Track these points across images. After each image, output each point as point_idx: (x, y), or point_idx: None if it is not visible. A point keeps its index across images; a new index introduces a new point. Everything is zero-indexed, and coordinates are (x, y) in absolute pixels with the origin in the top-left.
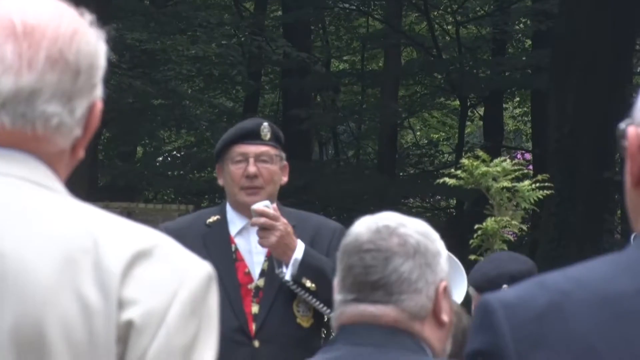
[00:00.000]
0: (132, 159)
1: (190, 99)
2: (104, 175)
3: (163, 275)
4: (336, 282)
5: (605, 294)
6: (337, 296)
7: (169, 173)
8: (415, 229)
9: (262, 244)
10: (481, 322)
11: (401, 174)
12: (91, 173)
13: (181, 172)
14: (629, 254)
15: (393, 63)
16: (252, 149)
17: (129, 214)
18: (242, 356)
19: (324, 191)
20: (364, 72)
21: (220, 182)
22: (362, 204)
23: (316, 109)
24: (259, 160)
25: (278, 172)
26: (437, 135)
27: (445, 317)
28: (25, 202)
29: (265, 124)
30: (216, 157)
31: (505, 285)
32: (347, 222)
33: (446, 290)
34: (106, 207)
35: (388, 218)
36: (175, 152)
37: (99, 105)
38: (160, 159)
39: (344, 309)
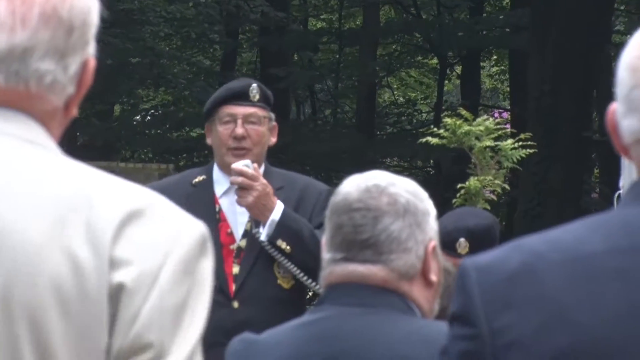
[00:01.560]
0: (109, 118)
1: (168, 57)
2: (81, 134)
3: (156, 235)
4: (324, 240)
5: (577, 254)
6: (326, 255)
7: (147, 132)
8: (405, 188)
9: (239, 203)
10: (458, 285)
11: (379, 132)
12: (69, 132)
13: (159, 130)
14: (607, 216)
15: (371, 22)
16: (241, 110)
17: (109, 173)
18: (220, 316)
19: (302, 150)
20: (341, 31)
21: (209, 141)
22: (341, 164)
23: (294, 68)
24: (247, 121)
25: (266, 133)
26: (414, 94)
27: (433, 277)
28: (18, 160)
29: (255, 84)
30: (205, 117)
31: (462, 239)
32: (326, 181)
33: (435, 250)
34: None
35: (377, 177)
36: (152, 111)
37: (92, 63)
38: (138, 117)
39: (332, 268)
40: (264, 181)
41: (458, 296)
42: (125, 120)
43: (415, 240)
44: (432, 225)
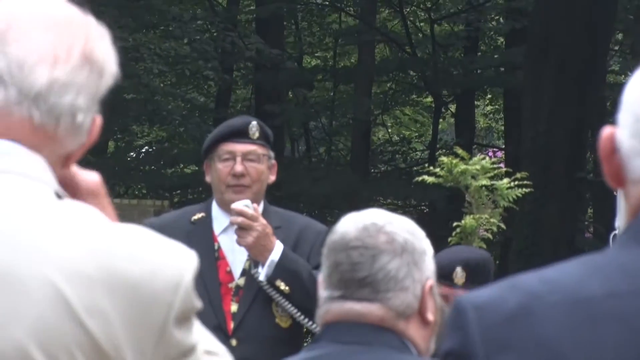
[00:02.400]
0: (103, 154)
1: (163, 94)
2: None
3: None
4: (321, 278)
5: (576, 297)
6: (323, 293)
7: (141, 168)
8: (403, 227)
9: (239, 243)
10: (453, 322)
11: (374, 170)
12: None
13: (153, 167)
14: (604, 256)
15: (366, 59)
16: (240, 147)
17: None
18: None
19: (296, 188)
20: (336, 68)
21: (208, 179)
22: (335, 202)
23: (288, 105)
24: (246, 159)
25: (265, 171)
26: (408, 133)
27: (430, 316)
28: (33, 212)
29: (254, 122)
30: (204, 154)
31: (459, 268)
32: (320, 219)
33: (432, 289)
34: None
35: (375, 215)
36: (147, 148)
37: (99, 120)
38: (133, 154)
39: (329, 306)
40: (264, 221)
41: (454, 333)
42: (120, 156)
43: (413, 279)
44: (429, 264)
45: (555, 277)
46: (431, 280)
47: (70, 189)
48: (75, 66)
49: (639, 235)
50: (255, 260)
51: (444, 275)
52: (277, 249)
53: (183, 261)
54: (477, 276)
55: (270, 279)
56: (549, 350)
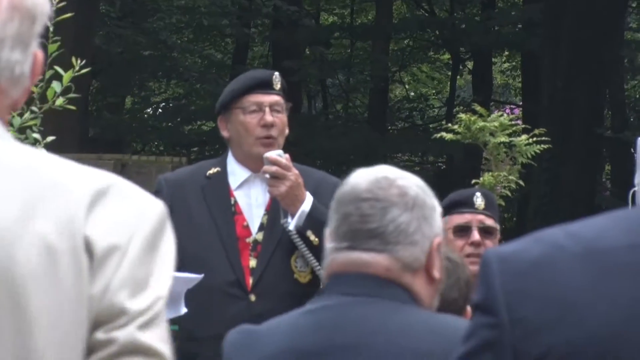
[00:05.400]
0: (120, 111)
1: (180, 50)
2: (93, 127)
3: (123, 212)
4: (328, 231)
5: (596, 247)
6: (329, 244)
7: (158, 125)
8: (414, 182)
9: (271, 193)
10: (480, 275)
11: (391, 127)
12: (81, 124)
13: (170, 124)
14: (630, 211)
15: (384, 16)
16: (267, 98)
17: (123, 166)
18: (237, 310)
19: (313, 144)
20: (353, 25)
21: (225, 134)
22: (352, 158)
23: (305, 62)
24: (273, 109)
25: (287, 122)
26: (426, 90)
27: (436, 274)
28: None
29: (276, 73)
30: (220, 109)
31: (478, 193)
32: (336, 176)
33: (440, 247)
34: (99, 159)
35: (387, 170)
36: (164, 104)
37: (40, 55)
38: (150, 110)
39: (335, 256)
40: (296, 172)
41: (480, 286)
42: (137, 113)
43: (423, 234)
44: (438, 221)
45: (579, 230)
46: (439, 238)
47: None
48: (5, 20)
49: None
50: (284, 210)
51: (466, 202)
52: (308, 200)
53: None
54: (492, 204)
55: (301, 230)
56: (564, 300)
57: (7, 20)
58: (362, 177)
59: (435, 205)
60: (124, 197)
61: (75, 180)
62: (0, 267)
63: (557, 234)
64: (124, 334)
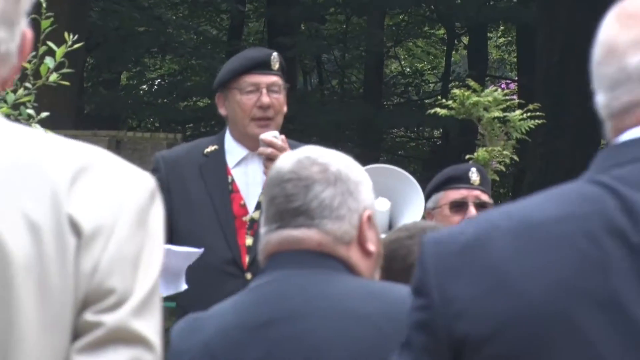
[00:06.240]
0: (116, 87)
1: (175, 26)
2: (88, 103)
3: (108, 188)
4: (262, 217)
5: (529, 222)
6: (262, 229)
7: (154, 101)
8: (337, 158)
9: (266, 174)
10: (417, 260)
11: (386, 103)
12: (77, 101)
13: (166, 100)
14: (565, 186)
15: None
16: (264, 79)
17: (118, 143)
18: (233, 288)
19: (308, 120)
20: (349, 0)
21: (222, 111)
22: (348, 134)
23: (300, 38)
24: (270, 90)
25: (284, 102)
26: (421, 65)
27: (371, 247)
28: None
29: (275, 53)
30: (218, 87)
31: (474, 168)
32: None
33: (371, 219)
34: (94, 136)
35: (310, 150)
36: (159, 81)
37: (29, 34)
38: (145, 87)
39: (268, 237)
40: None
41: (416, 269)
42: (132, 89)
43: (349, 208)
44: (366, 195)
45: (514, 208)
46: (369, 211)
47: None
48: None
49: (600, 169)
50: None
51: (461, 177)
52: None
53: None
54: (486, 180)
55: None
56: (495, 275)
57: None
58: (286, 160)
59: (362, 179)
60: (109, 172)
61: (57, 157)
62: None
63: (492, 215)
64: (114, 318)
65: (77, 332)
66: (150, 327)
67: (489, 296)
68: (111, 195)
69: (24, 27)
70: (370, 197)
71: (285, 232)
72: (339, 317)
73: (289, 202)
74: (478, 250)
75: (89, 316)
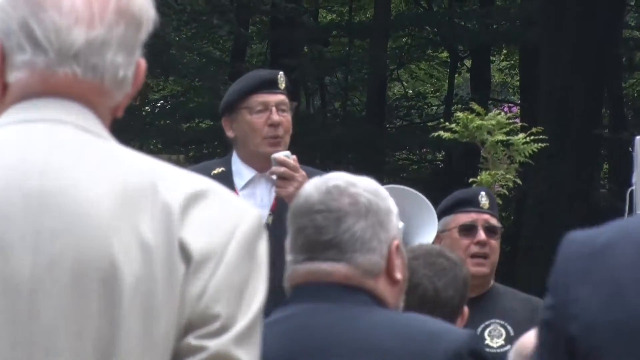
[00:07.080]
0: None
1: (178, 47)
2: None
3: (220, 216)
4: (287, 243)
5: None
6: (288, 257)
7: (157, 122)
8: (365, 188)
9: (279, 194)
10: (556, 255)
11: (389, 125)
12: None
13: (168, 122)
14: None
15: (382, 14)
16: (273, 98)
17: None
18: None
19: (311, 142)
20: (352, 23)
21: (230, 134)
22: (350, 156)
23: (304, 60)
24: (278, 109)
25: (291, 122)
26: (424, 88)
27: (398, 275)
28: (84, 147)
29: (281, 73)
30: (225, 109)
31: (483, 192)
32: None
33: (399, 249)
34: None
35: (337, 178)
36: (162, 102)
37: (143, 64)
38: (147, 108)
39: (295, 267)
40: (304, 173)
41: (553, 266)
42: (135, 111)
43: (379, 239)
44: (394, 224)
45: None
46: (397, 240)
47: None
48: (111, 24)
49: None
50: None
51: (471, 201)
52: None
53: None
54: (494, 204)
55: None
56: (615, 283)
57: (113, 24)
58: (313, 188)
59: (390, 207)
60: (221, 201)
61: (172, 182)
62: (97, 257)
63: (630, 221)
64: (217, 344)
65: (177, 355)
66: (250, 356)
67: (605, 304)
68: (222, 223)
69: (138, 57)
70: (398, 225)
71: (314, 265)
72: (363, 352)
73: (319, 235)
74: (606, 256)
75: (192, 340)
